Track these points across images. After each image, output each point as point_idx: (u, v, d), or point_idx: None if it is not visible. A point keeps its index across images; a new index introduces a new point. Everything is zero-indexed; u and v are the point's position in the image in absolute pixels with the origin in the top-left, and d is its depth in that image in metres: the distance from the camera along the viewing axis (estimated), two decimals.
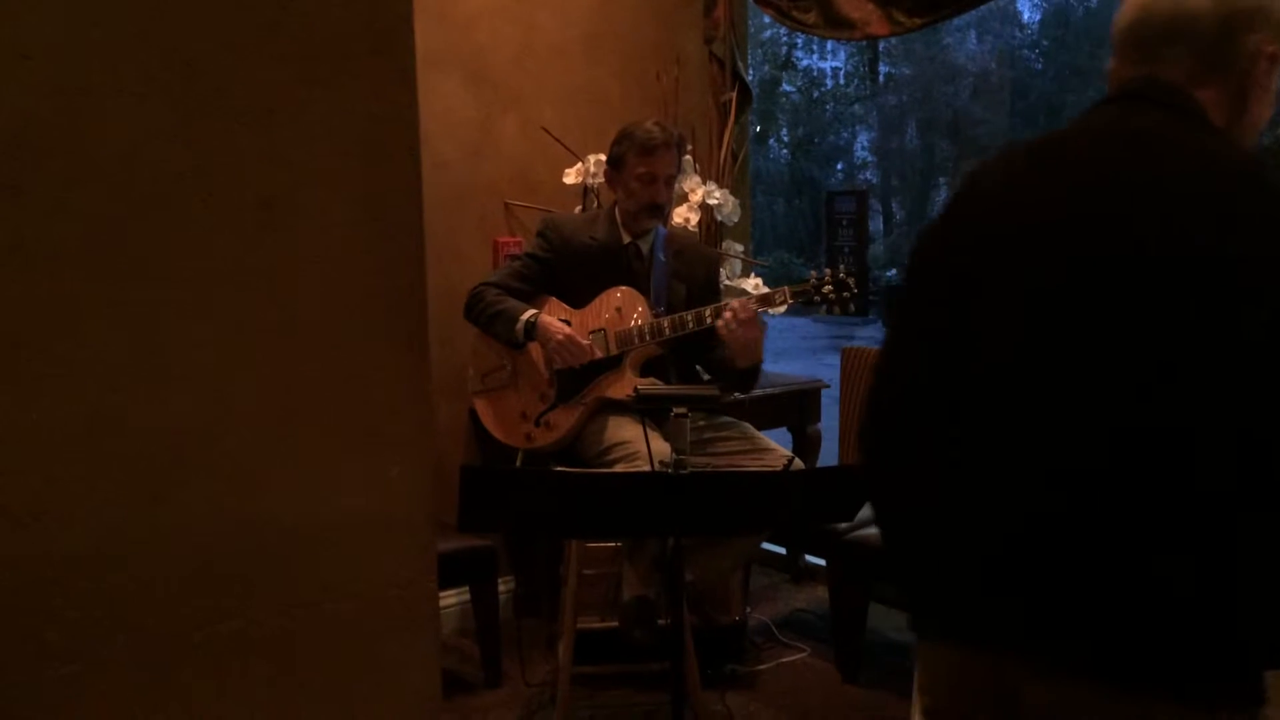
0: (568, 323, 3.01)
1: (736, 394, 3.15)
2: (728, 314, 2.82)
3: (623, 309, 3.01)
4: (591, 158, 3.51)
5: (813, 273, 2.96)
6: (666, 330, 2.92)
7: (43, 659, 1.14)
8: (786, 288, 2.96)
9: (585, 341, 2.97)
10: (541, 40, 3.69)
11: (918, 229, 1.42)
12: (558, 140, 3.63)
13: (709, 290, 3.19)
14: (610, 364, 3.00)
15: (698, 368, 3.15)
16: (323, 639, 1.32)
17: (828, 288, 2.91)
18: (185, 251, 1.18)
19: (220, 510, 1.22)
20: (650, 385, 2.95)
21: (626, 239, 3.10)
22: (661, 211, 3.11)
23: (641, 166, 3.01)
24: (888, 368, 1.39)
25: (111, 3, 1.12)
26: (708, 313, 2.89)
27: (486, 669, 3.17)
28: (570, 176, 3.59)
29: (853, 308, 2.93)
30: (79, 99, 1.10)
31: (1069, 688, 1.17)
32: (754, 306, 2.84)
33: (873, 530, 3.08)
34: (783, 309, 3.17)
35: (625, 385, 2.95)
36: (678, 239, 3.25)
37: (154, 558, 1.18)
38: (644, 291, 3.04)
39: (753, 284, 3.69)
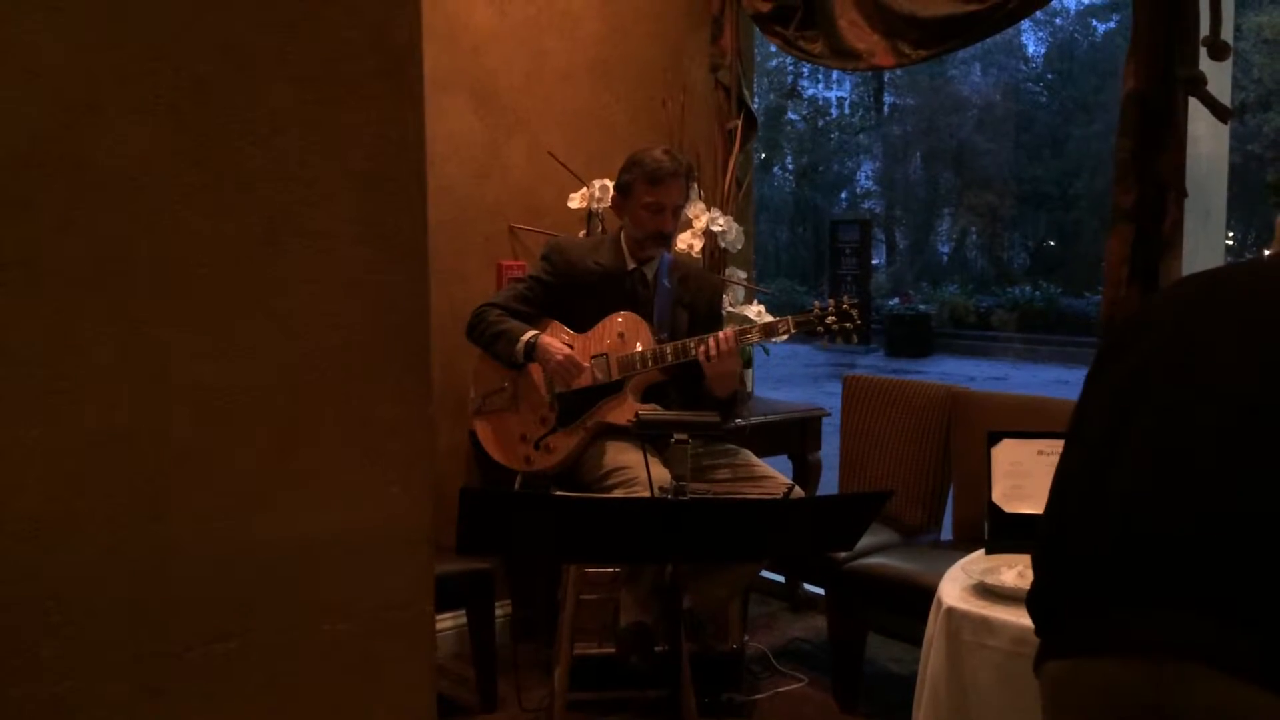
0: (570, 346, 3.01)
1: (737, 421, 3.15)
2: (708, 344, 2.84)
3: (625, 334, 3.01)
4: (597, 182, 3.52)
5: (816, 303, 2.97)
6: (669, 357, 2.92)
7: (37, 675, 1.13)
8: (790, 317, 2.96)
9: (585, 364, 2.97)
10: (549, 65, 3.72)
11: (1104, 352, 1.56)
12: (563, 165, 3.64)
13: (711, 318, 3.20)
14: (611, 389, 3.00)
15: None
16: (319, 659, 1.31)
17: (831, 318, 2.92)
18: (190, 269, 1.18)
19: (219, 528, 1.22)
20: (651, 411, 2.95)
21: (631, 265, 3.11)
22: (667, 241, 3.12)
23: (649, 195, 3.01)
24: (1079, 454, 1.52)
25: (122, 21, 1.13)
26: (702, 342, 2.90)
27: (482, 693, 3.16)
28: (575, 201, 3.60)
29: (855, 338, 2.94)
30: (87, 116, 1.11)
31: (1243, 692, 1.21)
32: (734, 341, 2.86)
33: (872, 560, 3.07)
34: (785, 337, 3.19)
35: (626, 410, 2.95)
36: (682, 265, 3.26)
37: (151, 575, 1.18)
38: (647, 317, 3.05)
39: (755, 311, 3.69)
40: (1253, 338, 1.38)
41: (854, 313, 2.91)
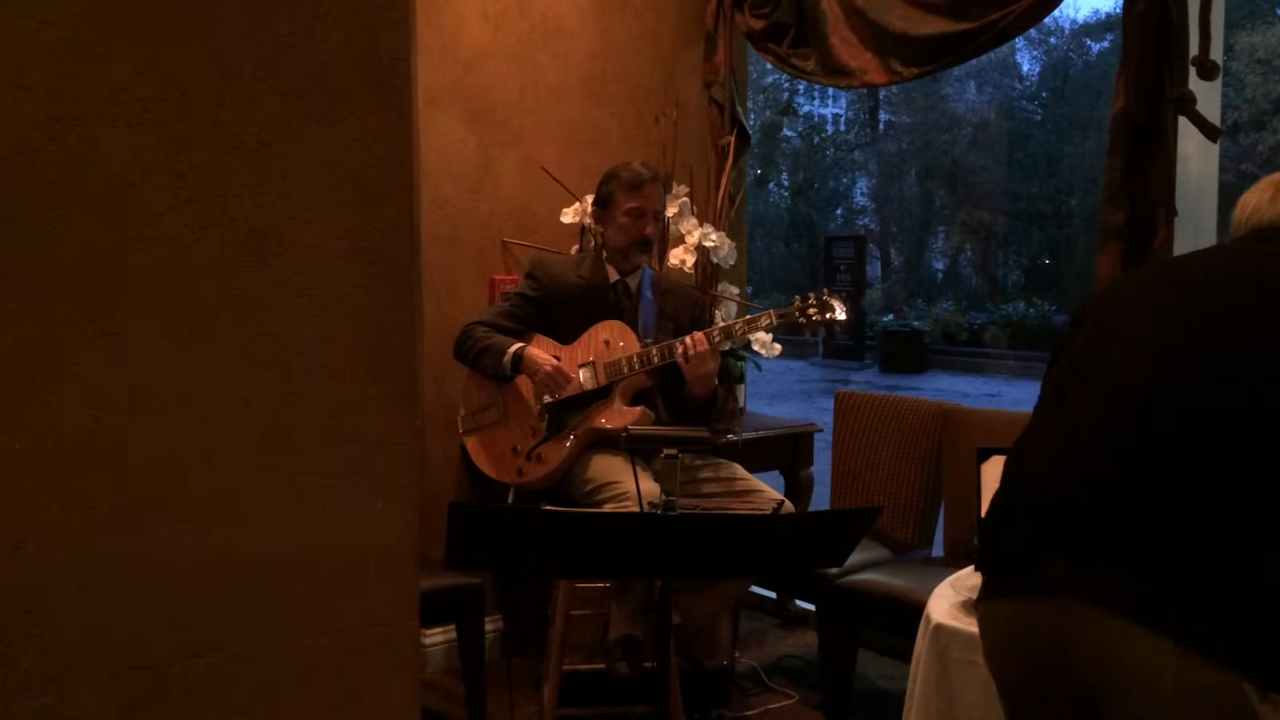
0: (557, 358, 3.02)
1: (729, 436, 3.15)
2: (685, 344, 2.85)
3: (611, 342, 3.03)
4: (589, 198, 3.52)
5: (797, 296, 2.99)
6: (655, 359, 2.93)
7: (18, 689, 1.12)
8: (772, 310, 2.98)
9: (572, 373, 2.98)
10: (542, 81, 3.73)
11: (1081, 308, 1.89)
12: (556, 180, 3.65)
13: (695, 329, 3.21)
14: (600, 395, 3.00)
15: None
16: (302, 675, 1.30)
17: (813, 309, 2.92)
18: (174, 282, 1.18)
19: (202, 542, 1.21)
20: (642, 416, 2.96)
21: (614, 277, 3.13)
22: (650, 246, 3.15)
23: (630, 202, 3.05)
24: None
25: (108, 34, 1.13)
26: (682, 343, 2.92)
27: (471, 709, 3.14)
28: (568, 216, 3.61)
29: (838, 328, 2.96)
30: (73, 128, 1.11)
31: (1123, 626, 1.40)
32: (707, 341, 2.88)
33: (862, 576, 3.07)
34: (769, 337, 3.21)
35: (615, 415, 2.96)
36: (665, 279, 3.29)
37: (133, 589, 1.17)
38: (632, 327, 3.06)
39: None
40: (1157, 324, 1.57)
41: (834, 302, 2.92)
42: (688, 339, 2.89)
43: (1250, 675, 1.35)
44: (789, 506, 2.89)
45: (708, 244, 3.66)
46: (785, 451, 3.89)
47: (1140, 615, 1.39)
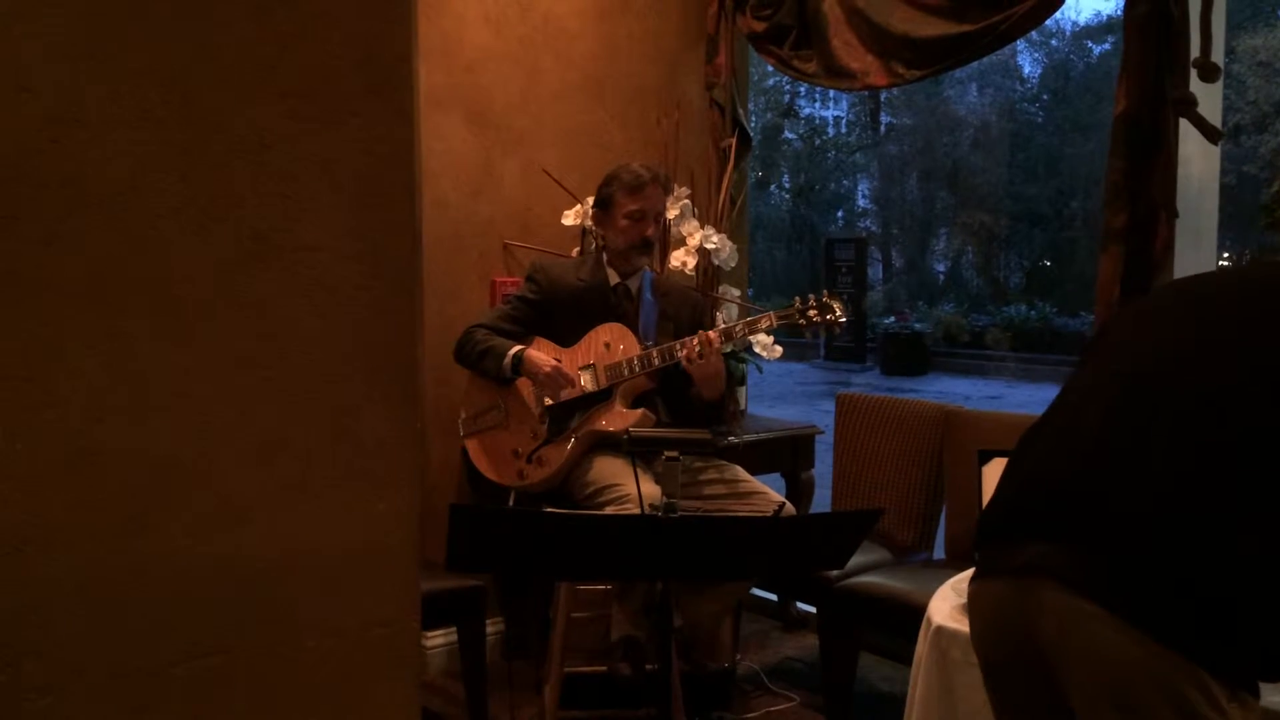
0: (558, 360, 3.03)
1: (730, 438, 3.15)
2: (690, 345, 2.85)
3: (611, 344, 3.03)
4: (590, 200, 3.53)
5: (797, 298, 2.99)
6: (655, 361, 2.93)
7: (18, 691, 1.12)
8: (772, 312, 2.98)
9: (572, 376, 2.99)
10: (544, 83, 3.73)
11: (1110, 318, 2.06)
12: (557, 182, 3.65)
13: (694, 330, 3.21)
14: (600, 397, 3.01)
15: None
16: (304, 676, 1.30)
17: (812, 311, 2.93)
18: (176, 283, 1.18)
19: (203, 543, 1.21)
20: (643, 418, 2.96)
21: (615, 280, 3.14)
22: (651, 247, 3.15)
23: (631, 204, 3.06)
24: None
25: (111, 37, 1.13)
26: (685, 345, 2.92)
27: (472, 711, 3.14)
28: (569, 218, 3.61)
29: (838, 329, 2.97)
30: (76, 131, 1.11)
31: (1076, 602, 1.46)
32: (719, 340, 2.88)
33: (863, 578, 3.07)
34: (770, 339, 3.21)
35: (616, 417, 2.96)
36: (665, 281, 3.30)
37: (134, 591, 1.17)
38: (632, 329, 3.06)
39: None
40: (1158, 328, 1.64)
41: (834, 304, 2.93)
42: (697, 338, 2.88)
43: (1217, 671, 1.37)
44: (790, 509, 2.88)
45: (709, 246, 3.66)
46: (786, 453, 3.89)
47: (1105, 598, 1.43)
